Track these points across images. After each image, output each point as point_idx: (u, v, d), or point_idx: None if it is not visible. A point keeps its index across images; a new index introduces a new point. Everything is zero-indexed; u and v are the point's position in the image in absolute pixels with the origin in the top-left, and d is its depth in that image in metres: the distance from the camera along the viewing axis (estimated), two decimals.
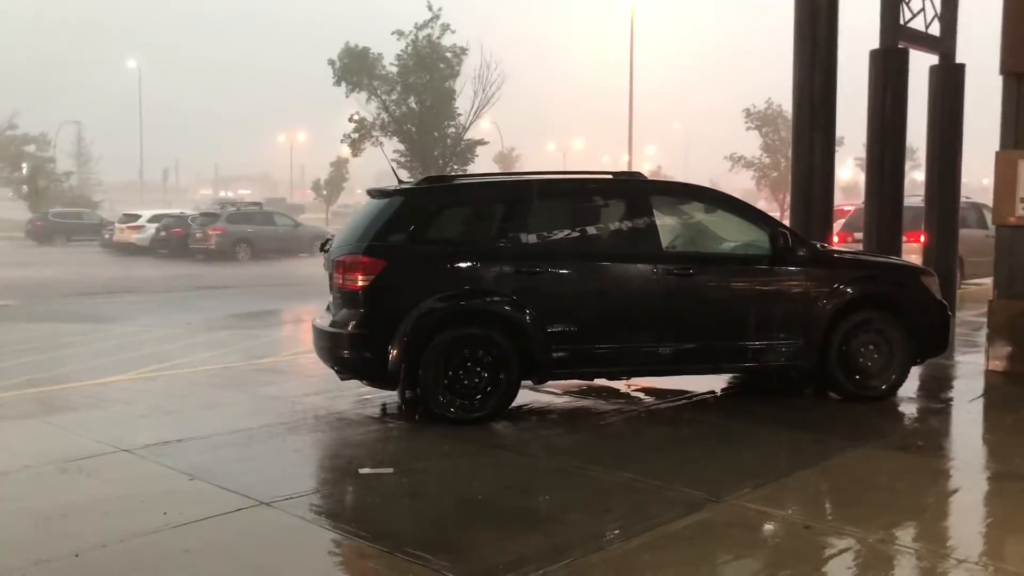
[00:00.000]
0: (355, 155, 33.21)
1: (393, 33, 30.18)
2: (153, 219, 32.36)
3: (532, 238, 6.79)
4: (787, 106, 18.61)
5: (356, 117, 30.80)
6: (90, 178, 65.30)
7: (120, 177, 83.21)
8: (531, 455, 5.87)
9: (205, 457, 5.71)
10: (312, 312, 7.73)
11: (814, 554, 4.16)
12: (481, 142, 33.40)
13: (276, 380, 8.72)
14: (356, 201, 61.27)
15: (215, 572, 3.99)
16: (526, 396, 7.01)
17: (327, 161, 56.85)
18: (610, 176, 7.42)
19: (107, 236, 34.06)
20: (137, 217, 33.12)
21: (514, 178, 7.95)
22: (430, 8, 30.16)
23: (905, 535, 4.51)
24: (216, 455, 5.78)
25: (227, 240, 28.49)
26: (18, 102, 58.94)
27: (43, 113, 59.94)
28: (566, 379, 7.38)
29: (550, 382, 7.28)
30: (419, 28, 30.30)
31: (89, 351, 10.72)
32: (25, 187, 50.81)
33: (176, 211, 35.38)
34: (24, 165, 51.35)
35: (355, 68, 29.58)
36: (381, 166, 42.56)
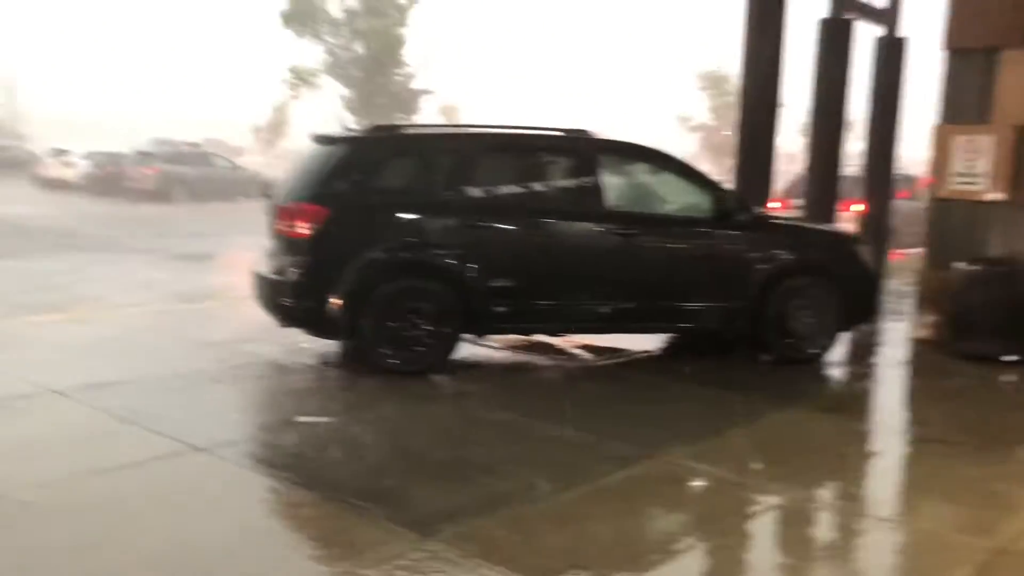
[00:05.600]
0: (295, 97, 32.49)
1: None
2: (86, 156, 31.29)
3: (478, 192, 6.75)
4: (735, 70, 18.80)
5: (293, 65, 30.14)
6: (17, 109, 62.76)
7: (53, 111, 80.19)
8: (469, 408, 5.92)
9: (139, 401, 5.61)
10: (248, 257, 7.61)
11: (741, 509, 4.30)
12: (426, 91, 33.01)
13: (213, 325, 8.58)
14: (298, 146, 60.18)
15: (146, 517, 3.96)
16: (466, 350, 7.04)
17: (270, 106, 55.56)
18: (558, 132, 7.41)
19: (36, 171, 32.87)
20: (68, 152, 31.99)
21: (462, 131, 7.89)
22: None
23: (827, 493, 4.69)
24: (150, 399, 5.69)
25: (163, 180, 27.72)
26: None
27: None
28: (507, 334, 7.42)
29: (491, 336, 7.32)
30: None
31: (15, 288, 10.39)
32: None
33: (110, 149, 34.24)
34: None
35: (303, 12, 28.87)
36: (329, 111, 41.87)
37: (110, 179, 29.26)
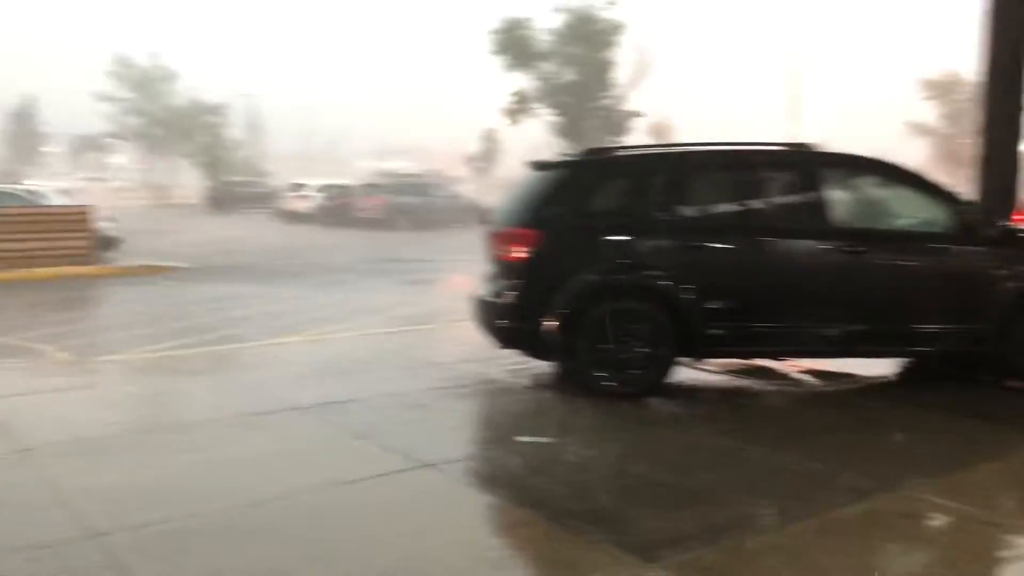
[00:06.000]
0: (510, 121, 33.24)
1: (558, 8, 29.95)
2: (319, 189, 33.82)
3: (693, 211, 6.64)
4: (967, 75, 17.32)
5: (516, 89, 30.93)
6: (263, 148, 68.83)
7: (289, 147, 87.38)
8: (687, 432, 5.78)
9: (368, 418, 5.94)
10: (466, 281, 7.88)
11: (993, 552, 3.91)
12: (636, 113, 32.93)
13: (434, 346, 8.96)
14: (509, 174, 61.90)
15: (380, 531, 4.14)
16: (683, 373, 6.90)
17: (481, 135, 57.60)
18: (777, 147, 7.14)
19: (276, 204, 35.86)
20: (304, 187, 34.71)
21: (676, 149, 7.78)
22: None
23: None
24: (378, 416, 6.00)
25: (388, 210, 29.44)
26: (200, 75, 62.67)
27: (224, 85, 63.49)
28: (725, 357, 7.20)
29: (708, 360, 7.14)
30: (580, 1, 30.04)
31: (259, 313, 11.35)
32: (201, 157, 54.19)
33: (341, 182, 36.83)
34: (201, 136, 54.72)
35: (513, 40, 29.67)
36: (535, 138, 42.77)
37: (340, 210, 31.45)
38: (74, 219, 16.09)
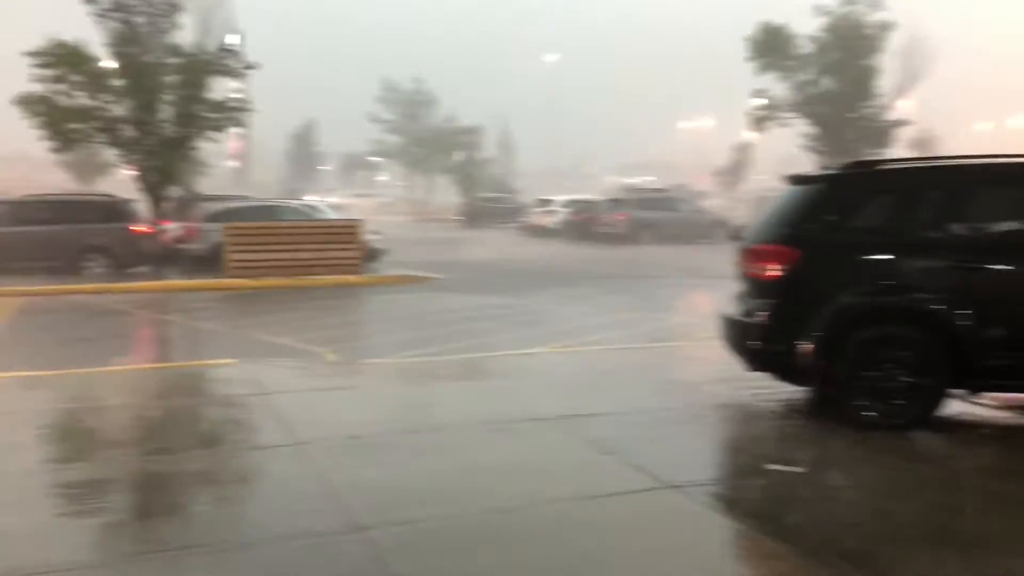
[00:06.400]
0: (758, 131, 32.05)
1: (818, 11, 28.58)
2: (564, 204, 34.49)
3: (969, 229, 6.08)
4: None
5: (765, 96, 29.79)
6: (512, 166, 71.48)
7: (537, 164, 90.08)
8: (955, 472, 5.29)
9: (613, 433, 5.94)
10: (714, 299, 7.67)
11: None
12: (901, 123, 30.70)
13: (679, 364, 8.83)
14: (757, 187, 59.87)
15: (617, 546, 4.12)
16: (955, 407, 6.32)
17: (729, 147, 56.29)
18: None
19: (523, 220, 36.99)
20: (550, 202, 35.56)
21: (951, 163, 7.15)
22: None
23: None
24: (623, 432, 5.99)
25: (631, 225, 29.47)
26: (456, 97, 66.30)
27: (476, 105, 66.74)
28: (1008, 392, 6.50)
29: (986, 393, 6.49)
30: (843, 5, 28.46)
31: (507, 323, 11.73)
32: (457, 174, 57.25)
33: (586, 197, 37.37)
34: (457, 154, 57.83)
35: (771, 46, 28.59)
36: (784, 151, 41.05)
37: (583, 225, 31.87)
38: (347, 232, 17.50)
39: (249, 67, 17.33)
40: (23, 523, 4.36)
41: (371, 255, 18.22)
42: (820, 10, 28.74)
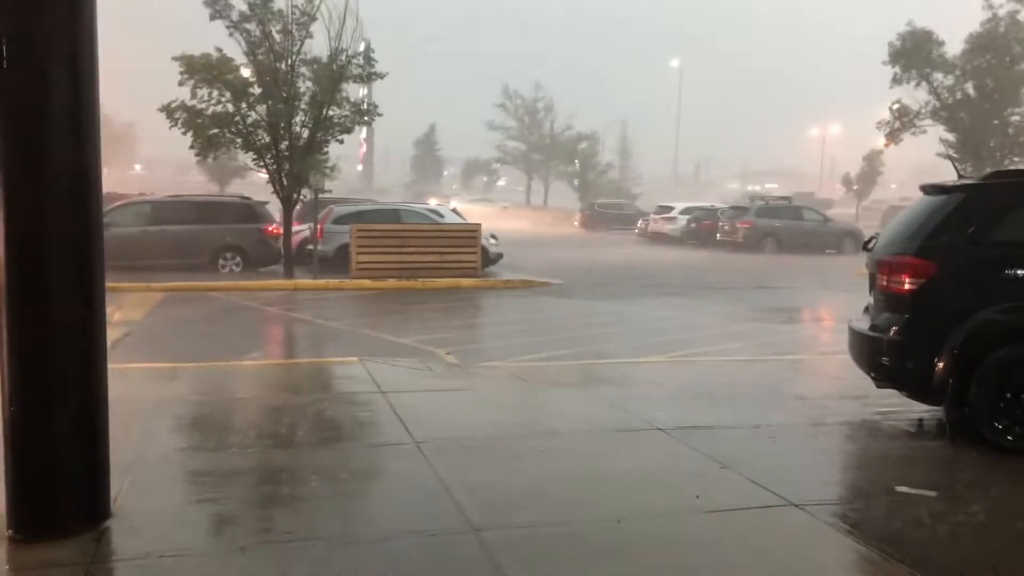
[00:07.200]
0: (893, 143, 30.70)
1: (986, 6, 26.96)
2: (685, 211, 34.01)
3: None
4: None
5: (899, 104, 28.51)
6: (631, 172, 71.02)
7: (657, 171, 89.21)
8: None
9: (732, 447, 5.80)
10: (838, 311, 7.40)
11: None
12: None
13: (801, 378, 8.56)
14: (887, 197, 57.47)
15: (735, 563, 4.02)
16: None
17: (858, 155, 54.26)
18: None
19: (642, 226, 36.67)
20: (670, 209, 35.12)
21: None
22: None
23: None
24: (742, 446, 5.84)
25: (754, 233, 28.82)
26: (575, 104, 66.46)
27: (596, 112, 66.78)
28: None
29: None
30: (999, 7, 26.87)
31: (625, 330, 11.64)
32: (576, 180, 57.30)
33: (706, 204, 36.74)
34: (576, 161, 57.90)
35: (913, 51, 27.28)
36: (916, 160, 39.21)
37: (704, 232, 31.39)
38: (467, 236, 17.78)
39: (378, 75, 17.80)
40: (158, 506, 4.60)
41: (489, 259, 18.44)
42: (988, 6, 26.97)
